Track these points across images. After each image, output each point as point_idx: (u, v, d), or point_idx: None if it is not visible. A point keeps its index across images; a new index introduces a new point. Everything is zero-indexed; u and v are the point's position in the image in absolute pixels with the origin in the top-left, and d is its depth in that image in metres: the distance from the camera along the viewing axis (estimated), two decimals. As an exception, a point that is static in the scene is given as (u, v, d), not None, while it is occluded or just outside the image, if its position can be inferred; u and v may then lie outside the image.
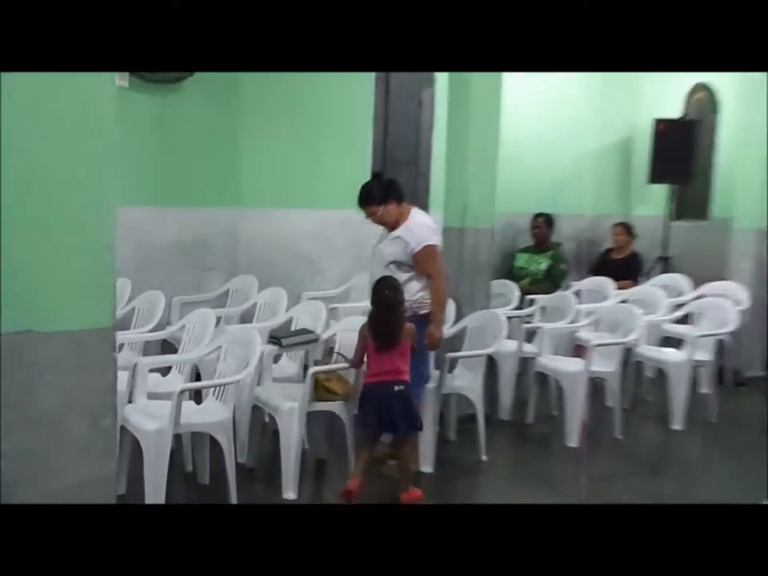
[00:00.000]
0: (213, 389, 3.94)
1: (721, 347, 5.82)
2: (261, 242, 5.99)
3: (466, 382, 4.53)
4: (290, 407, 3.92)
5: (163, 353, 4.75)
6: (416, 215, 4.23)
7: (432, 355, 4.33)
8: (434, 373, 4.36)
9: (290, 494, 3.89)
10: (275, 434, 4.09)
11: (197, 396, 3.98)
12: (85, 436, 1.78)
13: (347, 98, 6.27)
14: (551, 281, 6.56)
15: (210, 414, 3.79)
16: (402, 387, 3.84)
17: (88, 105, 1.73)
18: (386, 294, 3.88)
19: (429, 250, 4.10)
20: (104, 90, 1.75)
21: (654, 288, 6.24)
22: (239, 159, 5.88)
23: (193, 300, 5.39)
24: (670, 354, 5.49)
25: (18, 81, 1.64)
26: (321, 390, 4.02)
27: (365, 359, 3.95)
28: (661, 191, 7.76)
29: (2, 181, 1.63)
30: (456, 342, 4.71)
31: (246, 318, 5.25)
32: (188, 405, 3.73)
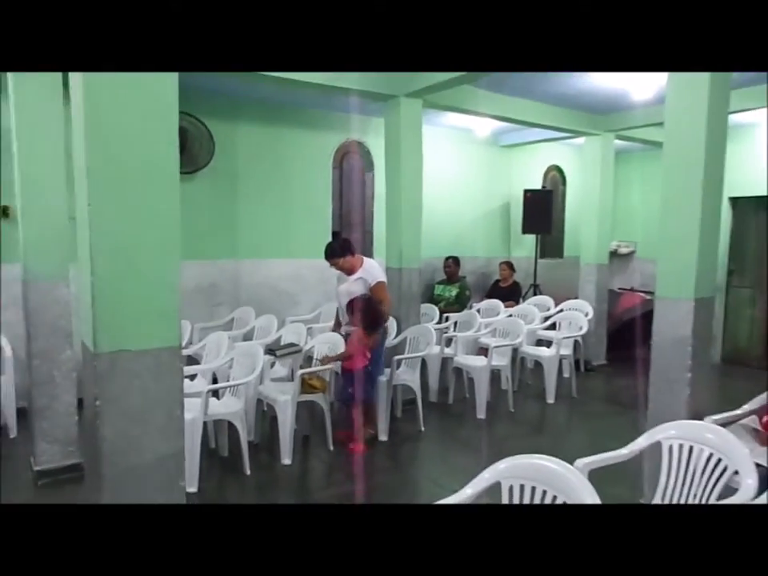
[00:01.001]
0: (229, 388, 3.95)
1: (576, 345, 6.06)
2: (255, 283, 5.97)
3: (408, 376, 4.61)
4: (284, 399, 3.94)
5: (188, 365, 4.68)
6: (368, 261, 4.36)
7: (384, 357, 4.42)
8: (387, 370, 4.44)
9: (286, 460, 3.90)
10: (273, 419, 4.10)
11: (214, 393, 3.96)
12: (163, 424, 1.77)
13: (313, 180, 6.35)
14: (460, 303, 6.68)
15: (229, 406, 3.79)
16: (370, 369, 4.11)
17: (161, 190, 1.76)
18: (373, 301, 4.08)
19: (381, 284, 4.24)
20: (172, 180, 1.79)
21: (529, 306, 6.42)
22: (237, 225, 5.87)
23: (208, 326, 5.34)
24: (543, 350, 5.67)
25: (119, 177, 1.67)
26: (306, 386, 4.05)
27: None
28: (530, 239, 8.02)
29: (103, 243, 1.67)
30: (400, 347, 4.79)
31: (247, 337, 5.23)
32: (211, 400, 3.72)
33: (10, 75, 3.39)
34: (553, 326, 6.13)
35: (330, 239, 4.66)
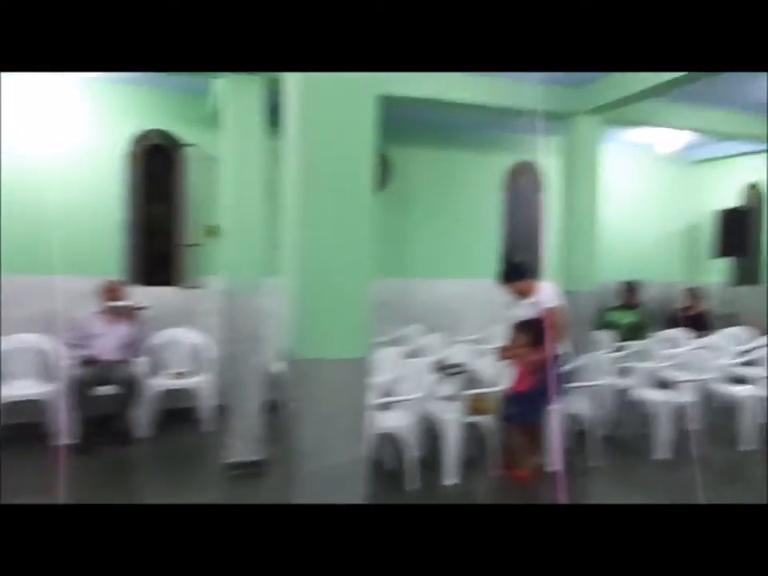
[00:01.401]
0: (396, 402, 4.08)
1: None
2: (423, 302, 6.14)
3: (579, 405, 4.41)
4: (450, 418, 3.99)
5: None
6: (542, 286, 4.25)
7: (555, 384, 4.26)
8: (558, 398, 4.27)
9: (450, 480, 3.93)
10: (437, 437, 4.15)
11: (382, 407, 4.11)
12: (349, 430, 1.91)
13: (483, 201, 6.40)
14: (638, 331, 6.24)
15: (396, 421, 3.93)
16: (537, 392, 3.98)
17: (359, 215, 1.95)
18: (543, 323, 3.92)
19: (555, 309, 4.12)
20: (368, 204, 1.96)
21: (722, 338, 5.83)
22: (408, 246, 6.11)
23: (377, 341, 5.57)
24: (740, 390, 5.07)
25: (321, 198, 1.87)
26: (473, 407, 4.06)
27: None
28: (721, 263, 7.29)
29: (310, 261, 1.86)
30: (571, 376, 4.59)
31: (414, 354, 5.34)
32: (381, 414, 3.88)
33: (228, 108, 3.89)
34: (750, 362, 5.45)
35: (498, 260, 4.66)
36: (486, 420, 4.12)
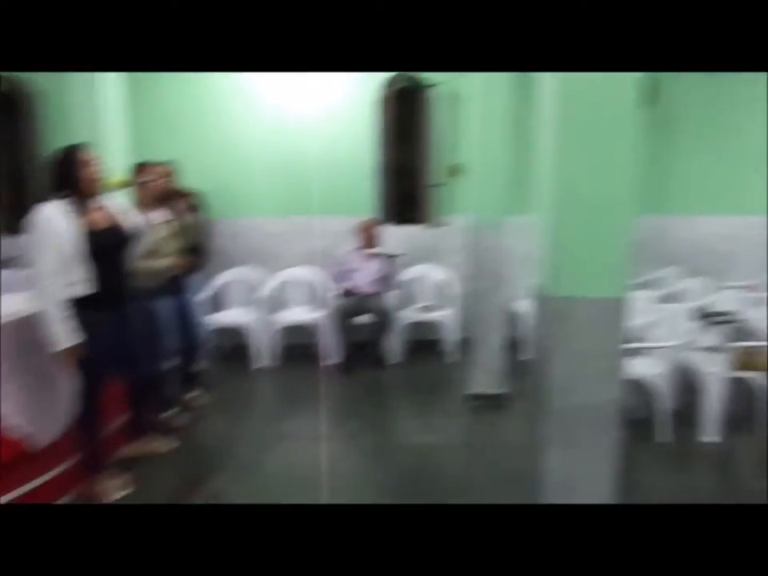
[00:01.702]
0: (648, 349, 3.86)
1: None
2: (684, 242, 5.55)
3: None
4: (712, 371, 3.65)
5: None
6: None
7: None
8: None
9: (708, 437, 3.64)
10: (695, 390, 3.83)
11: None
12: (603, 371, 1.89)
13: (765, 123, 5.44)
14: None
15: (650, 368, 3.73)
16: None
17: (614, 142, 1.86)
18: None
19: None
20: (627, 131, 1.88)
21: None
22: (669, 179, 5.53)
23: (631, 283, 5.25)
24: None
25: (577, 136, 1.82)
26: (740, 361, 3.65)
27: None
28: None
29: (566, 197, 1.84)
30: None
31: (671, 299, 4.93)
32: (632, 359, 3.70)
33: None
34: None
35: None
36: (757, 377, 3.66)
